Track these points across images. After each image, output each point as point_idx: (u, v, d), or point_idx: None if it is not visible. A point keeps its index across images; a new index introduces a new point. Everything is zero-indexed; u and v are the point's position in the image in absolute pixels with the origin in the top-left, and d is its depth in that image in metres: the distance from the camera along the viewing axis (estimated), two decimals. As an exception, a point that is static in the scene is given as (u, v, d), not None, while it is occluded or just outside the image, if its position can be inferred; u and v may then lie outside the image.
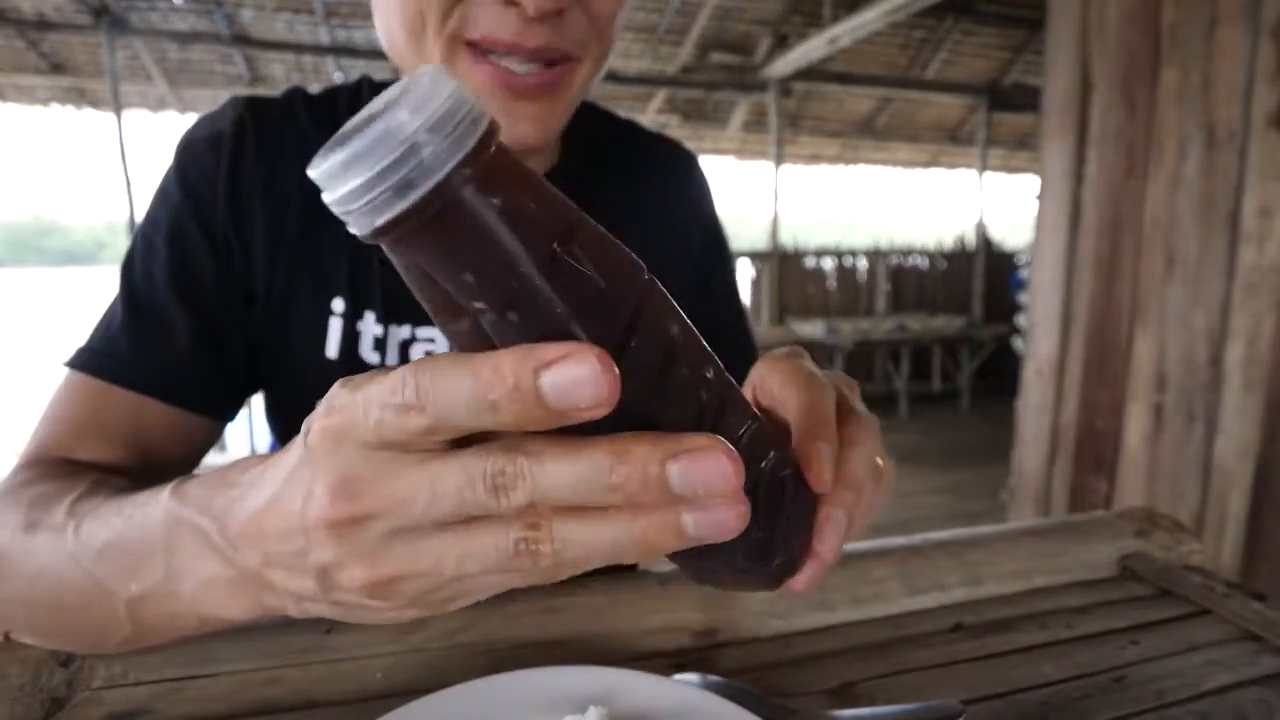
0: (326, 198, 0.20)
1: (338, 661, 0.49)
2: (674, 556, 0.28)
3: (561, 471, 0.23)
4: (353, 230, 0.21)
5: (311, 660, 0.49)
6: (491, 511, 0.24)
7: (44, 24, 4.83)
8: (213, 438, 0.64)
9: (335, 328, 0.63)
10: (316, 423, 0.25)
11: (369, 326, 0.63)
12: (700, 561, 0.29)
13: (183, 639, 0.38)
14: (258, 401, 0.70)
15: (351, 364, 0.63)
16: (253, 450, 4.14)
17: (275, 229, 0.62)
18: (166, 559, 0.32)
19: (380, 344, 0.64)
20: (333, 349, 0.63)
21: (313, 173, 0.20)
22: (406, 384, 0.22)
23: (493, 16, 0.51)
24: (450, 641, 0.51)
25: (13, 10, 4.72)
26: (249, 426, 4.33)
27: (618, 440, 0.23)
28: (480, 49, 0.53)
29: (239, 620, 0.32)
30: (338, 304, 0.63)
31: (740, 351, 0.78)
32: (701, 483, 0.23)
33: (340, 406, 0.24)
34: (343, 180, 0.20)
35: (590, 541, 0.24)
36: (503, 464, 0.23)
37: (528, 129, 0.55)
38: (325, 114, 0.65)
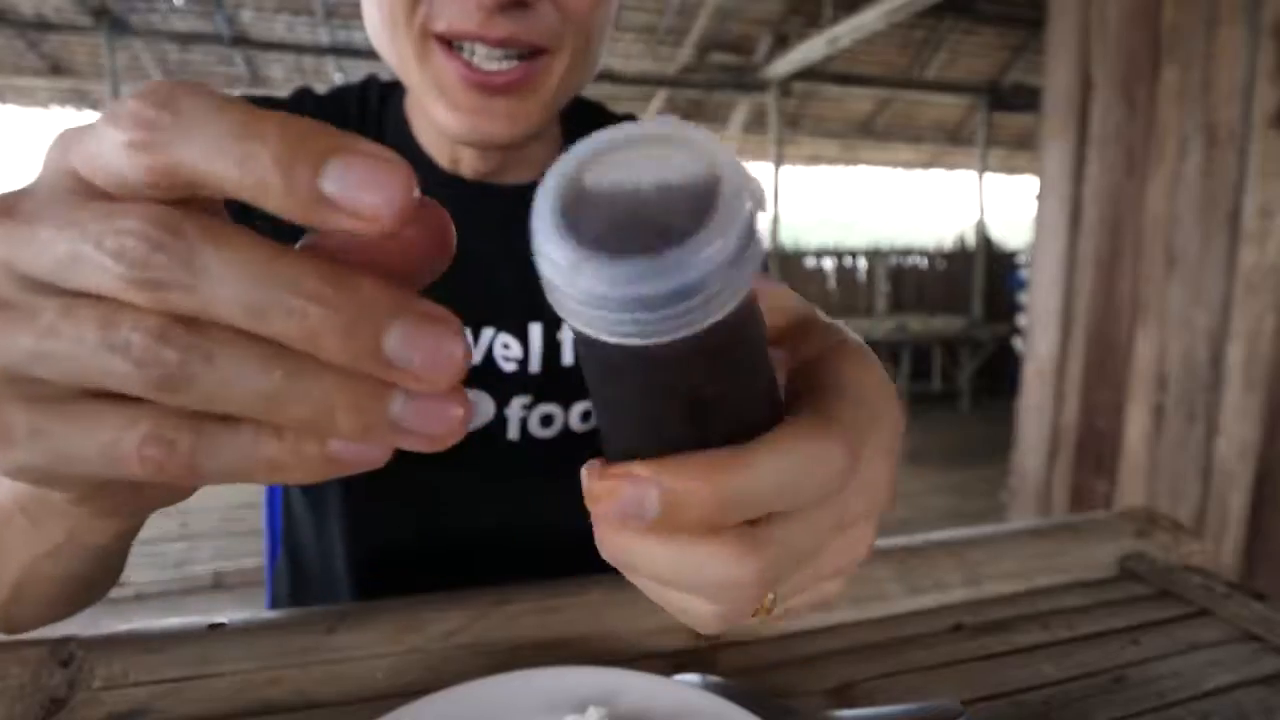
0: (559, 282, 0.16)
1: (338, 662, 0.49)
2: None
3: (239, 266, 0.16)
4: (582, 328, 0.17)
5: (312, 660, 0.49)
6: (103, 285, 0.17)
7: (44, 25, 4.83)
8: None
9: None
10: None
11: None
12: None
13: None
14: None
15: None
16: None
17: (285, 232, 0.62)
18: None
19: None
20: None
21: (558, 254, 0.16)
22: (153, 113, 0.16)
23: (455, 7, 0.51)
24: (450, 641, 0.51)
25: (13, 11, 4.72)
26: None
27: (333, 265, 0.17)
28: (449, 42, 0.52)
29: None
30: None
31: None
32: (427, 361, 0.17)
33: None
34: (611, 284, 0.16)
35: (242, 377, 0.17)
36: (158, 216, 0.16)
37: (499, 126, 0.54)
38: (334, 115, 0.65)
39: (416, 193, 0.17)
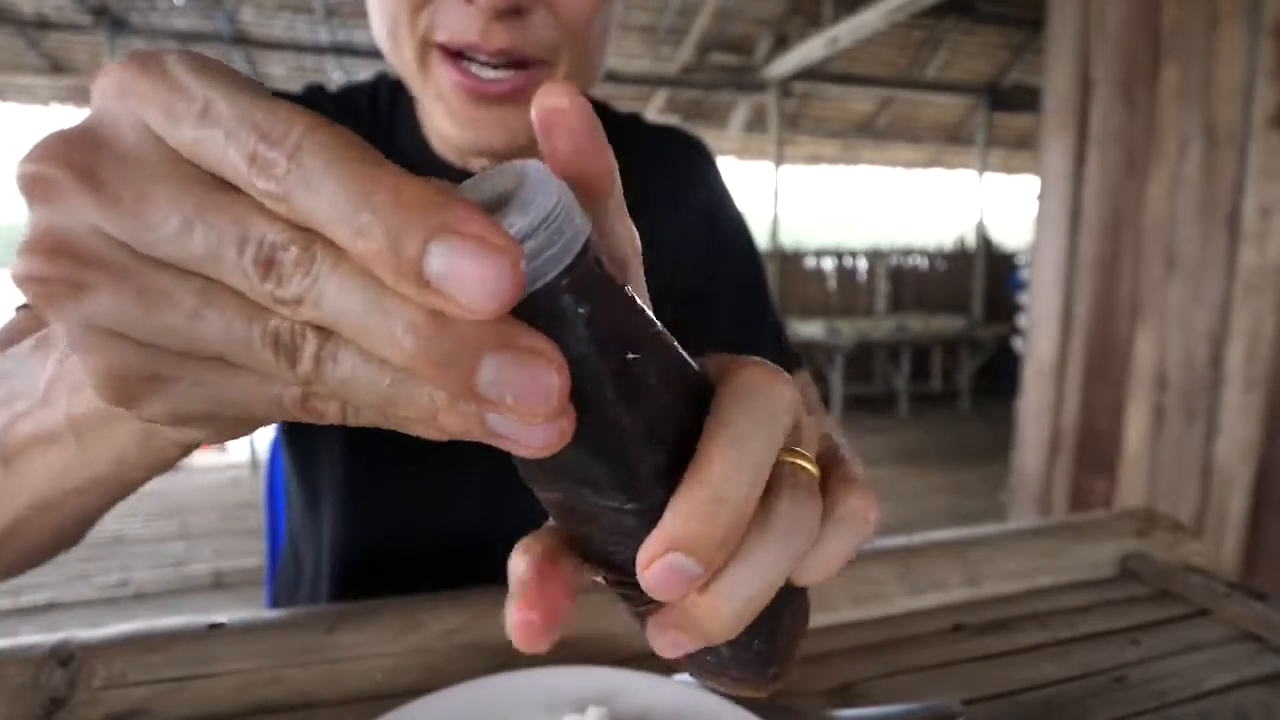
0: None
1: (338, 662, 0.49)
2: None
3: (354, 292, 0.18)
4: None
5: (312, 660, 0.49)
6: (245, 289, 0.18)
7: (44, 24, 4.83)
8: None
9: None
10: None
11: None
12: (699, 664, 0.27)
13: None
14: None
15: None
16: (253, 451, 4.15)
17: None
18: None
19: None
20: None
21: None
22: (284, 130, 0.17)
23: (455, 17, 0.51)
24: (450, 641, 0.51)
25: (13, 10, 4.72)
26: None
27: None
28: (450, 52, 0.53)
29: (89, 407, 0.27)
30: None
31: (769, 351, 0.74)
32: (520, 396, 0.18)
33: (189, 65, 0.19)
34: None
35: (362, 374, 0.19)
36: (291, 239, 0.18)
37: (496, 136, 0.55)
38: (348, 112, 0.66)
39: (520, 274, 0.17)
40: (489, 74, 0.53)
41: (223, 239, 0.18)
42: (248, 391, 0.21)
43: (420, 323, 0.17)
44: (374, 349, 0.18)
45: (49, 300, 0.19)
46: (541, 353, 0.18)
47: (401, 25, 0.52)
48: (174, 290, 0.19)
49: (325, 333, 0.19)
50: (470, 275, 0.16)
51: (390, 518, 0.66)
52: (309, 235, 0.18)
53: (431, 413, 0.19)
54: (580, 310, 0.20)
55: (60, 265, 0.19)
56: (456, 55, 0.53)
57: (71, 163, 0.18)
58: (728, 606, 0.22)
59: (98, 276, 0.19)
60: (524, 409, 0.18)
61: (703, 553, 0.20)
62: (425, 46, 0.53)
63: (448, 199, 0.17)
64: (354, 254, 0.17)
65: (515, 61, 0.53)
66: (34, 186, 0.19)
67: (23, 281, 0.19)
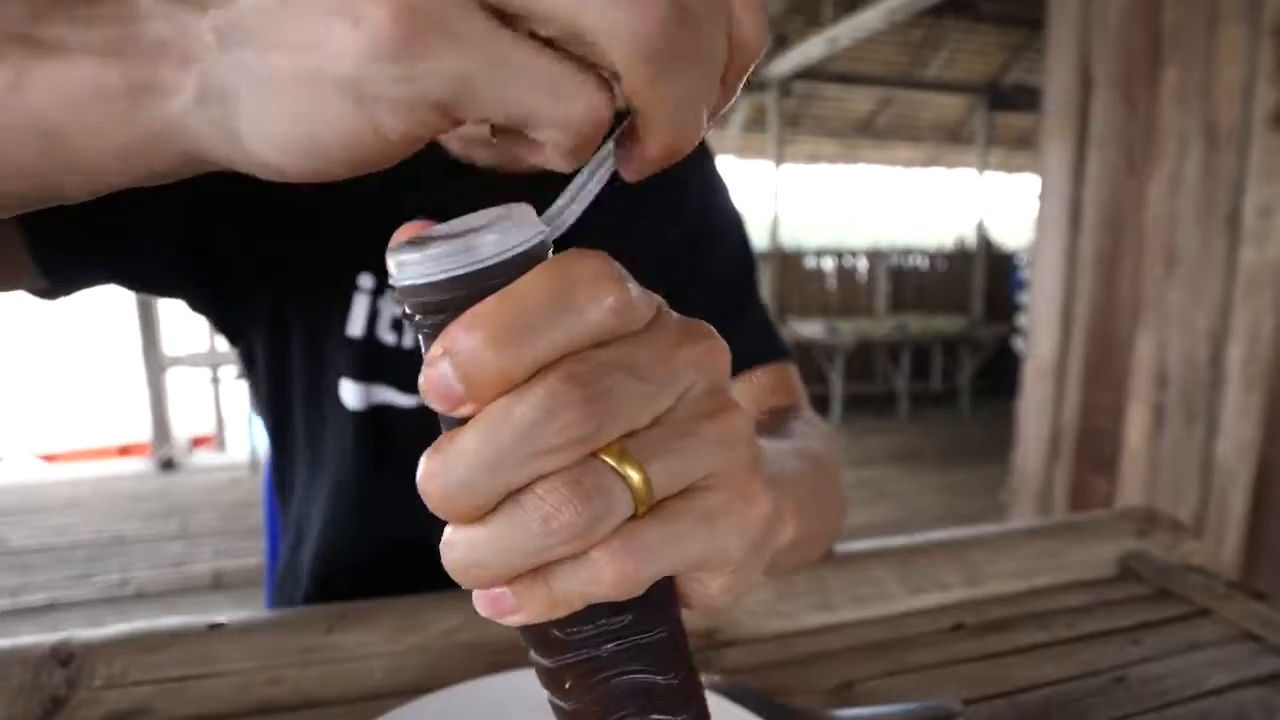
0: (395, 273, 0.21)
1: (338, 661, 0.49)
2: None
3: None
4: (401, 302, 0.21)
5: (312, 660, 0.49)
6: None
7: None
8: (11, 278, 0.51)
9: (361, 305, 0.63)
10: None
11: (389, 305, 0.63)
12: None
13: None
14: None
15: (370, 342, 0.63)
16: (253, 450, 4.14)
17: (296, 198, 0.59)
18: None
19: (399, 323, 0.63)
20: (357, 326, 0.63)
21: (394, 259, 0.21)
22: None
23: None
24: (450, 641, 0.51)
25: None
26: (249, 427, 4.33)
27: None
28: None
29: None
30: (365, 280, 0.63)
31: (749, 335, 0.71)
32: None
33: None
34: (414, 266, 0.21)
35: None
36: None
37: None
38: None
39: None
40: None
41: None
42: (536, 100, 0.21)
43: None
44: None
45: None
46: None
47: None
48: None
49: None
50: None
51: (412, 512, 0.66)
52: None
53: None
54: None
55: None
56: None
57: None
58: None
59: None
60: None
61: (467, 372, 0.19)
62: None
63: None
64: None
65: None
66: None
67: None
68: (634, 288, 0.21)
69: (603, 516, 0.20)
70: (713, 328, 0.23)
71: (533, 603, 0.21)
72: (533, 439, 0.19)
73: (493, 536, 0.20)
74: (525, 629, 0.23)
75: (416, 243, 0.21)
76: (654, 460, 0.21)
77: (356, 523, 0.66)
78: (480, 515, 0.20)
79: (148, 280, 0.62)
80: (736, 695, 0.43)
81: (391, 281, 0.21)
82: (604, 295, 0.20)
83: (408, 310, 0.21)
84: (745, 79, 0.24)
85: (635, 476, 0.20)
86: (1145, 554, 0.66)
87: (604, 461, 0.20)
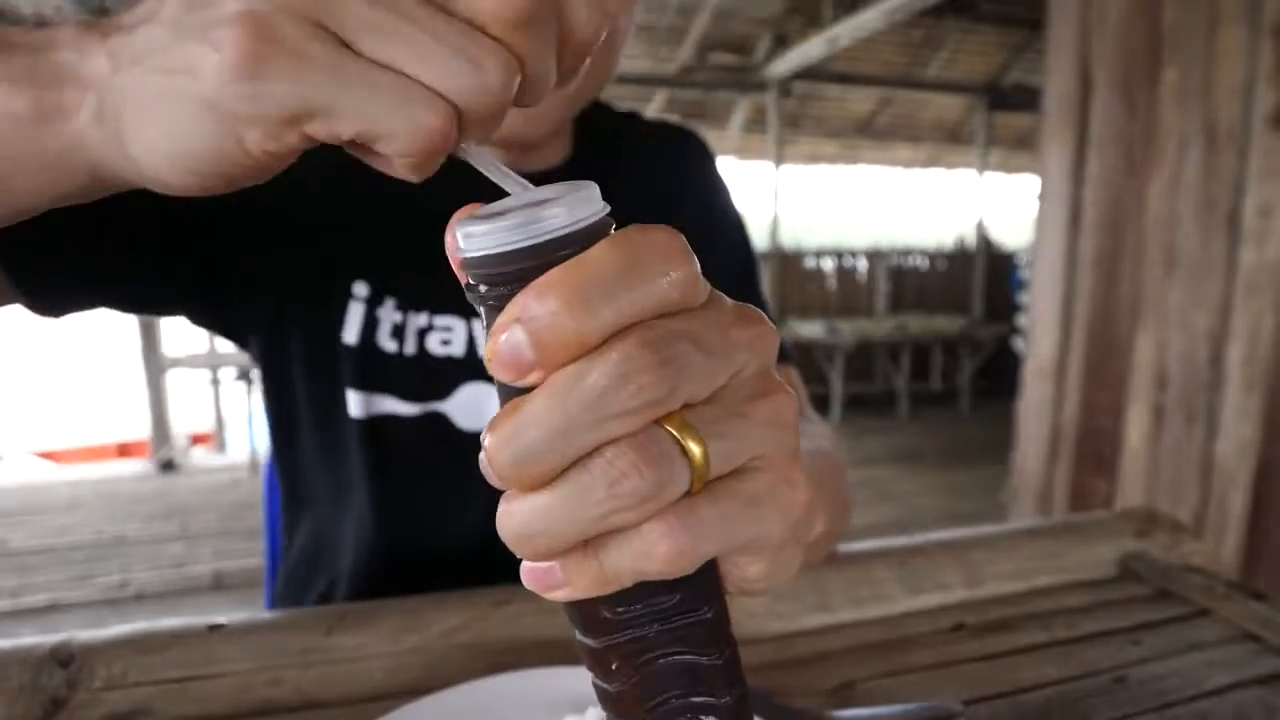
0: (463, 245, 0.22)
1: (338, 662, 0.49)
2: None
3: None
4: (466, 274, 0.22)
5: (312, 661, 0.49)
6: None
7: (44, 25, 4.83)
8: None
9: (356, 312, 0.63)
10: None
11: (388, 313, 0.63)
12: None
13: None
14: (256, 400, 0.70)
15: (369, 351, 0.63)
16: (253, 451, 4.14)
17: (288, 205, 0.60)
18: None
19: (399, 331, 0.63)
20: (351, 334, 0.63)
21: (461, 230, 0.22)
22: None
23: None
24: (450, 641, 0.51)
25: (12, 11, 4.72)
26: (249, 427, 4.33)
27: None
28: None
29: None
30: (360, 288, 0.63)
31: None
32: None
33: None
34: (483, 237, 0.21)
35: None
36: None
37: (516, 122, 0.55)
38: None
39: None
40: None
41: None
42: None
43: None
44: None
45: None
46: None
47: None
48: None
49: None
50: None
51: (415, 520, 0.66)
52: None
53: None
54: None
55: None
56: None
57: None
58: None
59: None
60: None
61: (541, 337, 0.20)
62: None
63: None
64: None
65: None
66: None
67: None
68: (698, 267, 0.22)
69: (666, 484, 0.20)
70: (764, 314, 0.23)
71: (582, 578, 0.21)
72: (606, 402, 0.19)
73: (556, 503, 0.20)
74: (573, 608, 0.23)
75: (483, 216, 0.21)
76: (713, 438, 0.21)
77: (374, 532, 0.66)
78: (546, 482, 0.20)
79: (141, 301, 0.62)
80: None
81: (457, 253, 0.22)
82: (673, 267, 0.21)
83: (471, 282, 0.22)
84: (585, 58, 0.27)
85: (696, 450, 0.21)
86: (1145, 554, 0.66)
87: (669, 432, 0.20)
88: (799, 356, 0.73)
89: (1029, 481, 2.59)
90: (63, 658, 0.47)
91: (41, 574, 2.99)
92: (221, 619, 0.52)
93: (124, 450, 5.27)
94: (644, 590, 0.22)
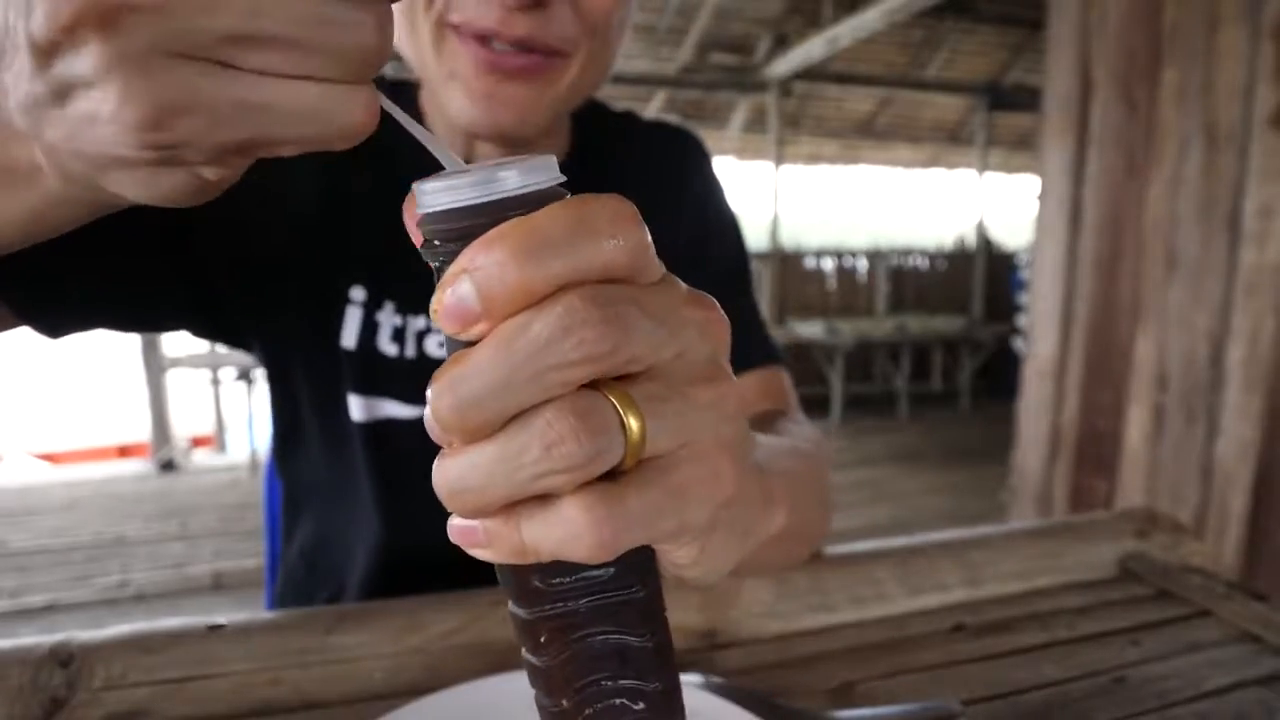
0: (420, 201, 0.22)
1: (338, 662, 0.49)
2: None
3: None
4: (421, 230, 0.22)
5: (312, 661, 0.49)
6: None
7: None
8: None
9: (354, 317, 0.63)
10: None
11: (389, 317, 0.63)
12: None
13: None
14: (256, 401, 0.70)
15: (369, 355, 0.63)
16: (253, 452, 4.14)
17: (281, 211, 0.61)
18: None
19: (399, 334, 0.63)
20: (350, 338, 0.63)
21: (418, 188, 0.22)
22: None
23: (474, 2, 0.51)
24: (450, 642, 0.51)
25: None
26: (249, 427, 4.33)
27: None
28: (469, 33, 0.53)
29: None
30: (357, 292, 0.63)
31: (740, 337, 0.72)
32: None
33: None
34: (437, 194, 0.22)
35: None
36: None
37: (510, 114, 0.55)
38: None
39: None
40: (508, 53, 0.53)
41: None
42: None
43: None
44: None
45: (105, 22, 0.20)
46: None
47: (418, 4, 0.52)
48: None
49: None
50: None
51: (418, 523, 0.65)
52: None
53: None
54: None
55: None
56: (478, 38, 0.53)
57: None
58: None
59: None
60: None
61: (485, 287, 0.20)
62: (441, 27, 0.53)
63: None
64: None
65: (535, 49, 0.53)
66: None
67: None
68: (649, 239, 0.22)
69: (601, 454, 0.20)
70: (716, 301, 0.23)
71: (502, 543, 0.22)
72: (548, 353, 0.20)
73: (491, 459, 0.20)
74: (506, 575, 0.23)
75: (442, 176, 0.22)
76: (652, 417, 0.21)
77: (377, 535, 0.65)
78: (485, 435, 0.21)
79: (141, 321, 0.62)
80: (736, 696, 0.43)
81: (415, 211, 0.22)
82: (621, 232, 0.21)
83: (426, 238, 0.22)
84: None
85: (635, 426, 0.21)
86: (1145, 555, 0.66)
87: (610, 401, 0.21)
88: (798, 357, 0.73)
89: (1029, 482, 2.59)
90: (62, 658, 0.47)
91: (41, 574, 2.99)
92: (221, 619, 0.52)
93: (124, 452, 5.27)
94: (576, 563, 0.22)
